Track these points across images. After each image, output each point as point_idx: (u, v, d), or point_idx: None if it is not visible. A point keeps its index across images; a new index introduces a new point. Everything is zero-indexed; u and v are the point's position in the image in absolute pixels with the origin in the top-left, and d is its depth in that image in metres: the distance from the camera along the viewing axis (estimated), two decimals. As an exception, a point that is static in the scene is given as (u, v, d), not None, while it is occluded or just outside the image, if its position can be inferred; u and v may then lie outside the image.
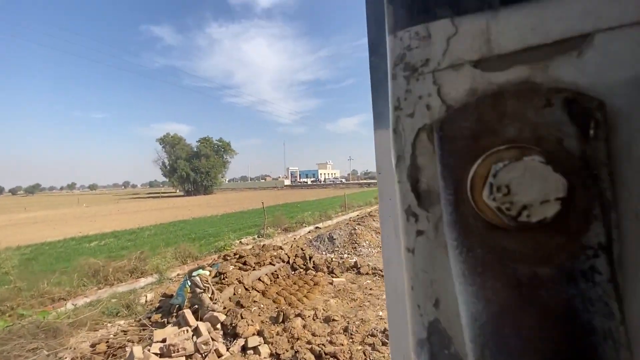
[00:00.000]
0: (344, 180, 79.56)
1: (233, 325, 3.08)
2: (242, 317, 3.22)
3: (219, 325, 3.12)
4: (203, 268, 4.10)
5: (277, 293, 4.61)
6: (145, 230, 15.17)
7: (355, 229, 8.89)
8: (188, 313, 2.93)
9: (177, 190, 65.67)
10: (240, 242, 9.62)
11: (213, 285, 4.22)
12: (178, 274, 6.11)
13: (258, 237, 10.16)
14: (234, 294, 4.17)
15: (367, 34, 0.62)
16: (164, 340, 2.68)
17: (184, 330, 2.76)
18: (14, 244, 12.08)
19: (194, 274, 3.63)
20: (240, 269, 4.76)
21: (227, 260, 5.05)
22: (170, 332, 2.77)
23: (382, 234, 0.62)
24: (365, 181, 68.28)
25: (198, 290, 3.55)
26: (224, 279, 4.26)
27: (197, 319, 3.53)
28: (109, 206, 35.96)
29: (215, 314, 3.16)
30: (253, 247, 7.06)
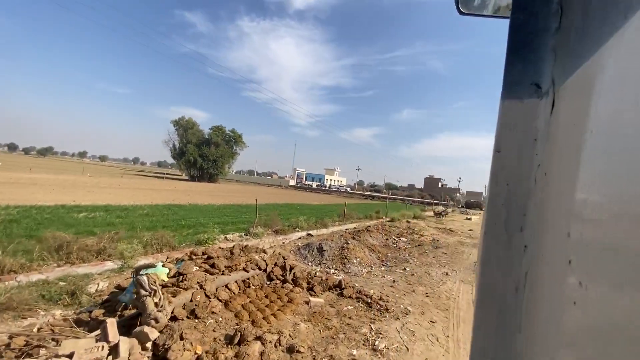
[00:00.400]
0: (349, 189, 78.57)
1: (166, 347, 2.51)
2: (181, 338, 2.64)
3: (149, 344, 2.55)
4: (154, 266, 3.54)
5: (242, 306, 4.02)
6: (138, 208, 14.80)
7: (347, 243, 8.25)
8: (111, 324, 2.37)
9: (183, 174, 65.68)
10: (226, 237, 9.07)
11: (170, 287, 3.66)
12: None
13: (245, 235, 9.60)
14: (191, 301, 3.60)
15: None
16: (70, 355, 2.13)
17: (99, 347, 2.20)
18: (3, 203, 11.78)
19: (142, 272, 3.08)
20: (206, 271, 4.18)
21: (192, 259, 4.49)
22: (82, 346, 2.21)
23: (486, 223, 0.57)
24: (370, 193, 67.32)
25: (143, 292, 2.98)
26: (182, 281, 3.68)
27: (138, 325, 2.97)
28: (112, 179, 35.92)
29: (146, 329, 2.58)
30: (234, 246, 6.50)
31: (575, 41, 0.51)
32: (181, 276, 3.76)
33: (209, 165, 57.35)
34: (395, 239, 11.81)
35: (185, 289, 3.59)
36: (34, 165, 44.93)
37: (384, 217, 18.70)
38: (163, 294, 3.18)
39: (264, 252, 6.69)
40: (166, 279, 3.74)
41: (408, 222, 17.56)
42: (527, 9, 0.55)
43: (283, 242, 9.71)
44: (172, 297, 3.44)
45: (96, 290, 4.21)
